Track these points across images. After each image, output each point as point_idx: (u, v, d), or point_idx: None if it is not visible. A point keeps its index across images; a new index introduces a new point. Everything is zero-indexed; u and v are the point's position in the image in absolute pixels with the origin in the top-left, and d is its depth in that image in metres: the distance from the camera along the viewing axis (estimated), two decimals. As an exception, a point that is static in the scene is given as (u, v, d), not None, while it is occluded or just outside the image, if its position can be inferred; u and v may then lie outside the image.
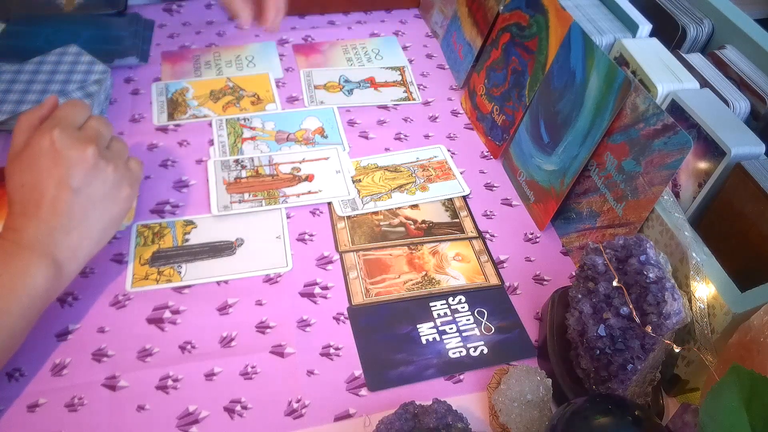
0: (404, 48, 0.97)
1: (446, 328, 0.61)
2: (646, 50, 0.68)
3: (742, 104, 0.62)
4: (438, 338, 0.60)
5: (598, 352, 0.51)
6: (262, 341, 0.59)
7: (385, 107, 0.86)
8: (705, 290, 0.52)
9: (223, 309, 0.61)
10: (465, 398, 0.56)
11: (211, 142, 0.78)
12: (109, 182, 0.58)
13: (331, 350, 0.59)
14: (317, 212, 0.71)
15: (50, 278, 0.53)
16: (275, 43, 0.95)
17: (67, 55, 0.80)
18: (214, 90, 0.86)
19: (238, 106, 0.84)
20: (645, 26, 0.72)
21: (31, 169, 0.55)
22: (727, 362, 0.46)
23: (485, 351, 0.60)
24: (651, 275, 0.49)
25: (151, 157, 0.76)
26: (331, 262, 0.67)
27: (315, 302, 0.63)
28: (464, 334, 0.61)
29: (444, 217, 0.72)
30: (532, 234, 0.71)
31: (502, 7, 0.80)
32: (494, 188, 0.76)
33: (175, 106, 0.83)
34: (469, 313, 0.63)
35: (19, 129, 0.57)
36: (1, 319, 0.50)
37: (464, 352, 0.59)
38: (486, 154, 0.81)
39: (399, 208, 0.72)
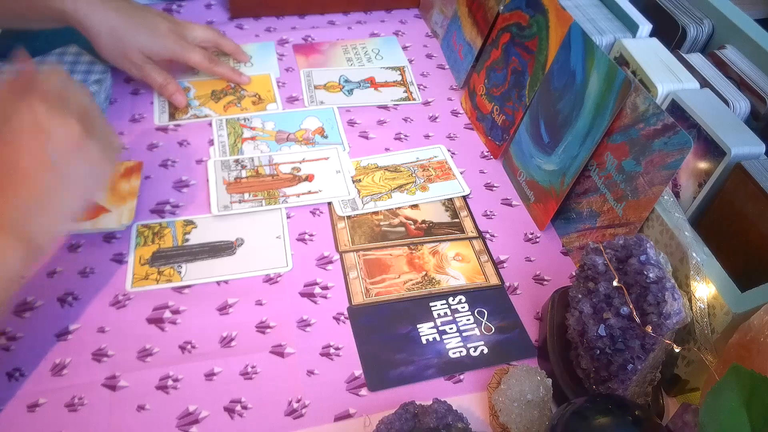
0: (404, 48, 0.97)
1: (446, 328, 0.61)
2: (646, 50, 0.68)
3: (742, 104, 0.62)
4: (438, 338, 0.60)
5: (598, 352, 0.51)
6: (262, 341, 0.59)
7: (385, 107, 0.86)
8: (705, 290, 0.52)
9: (223, 309, 0.61)
10: (465, 398, 0.56)
11: (211, 142, 0.78)
12: (93, 160, 0.55)
13: (331, 350, 0.59)
14: (317, 212, 0.71)
15: (24, 259, 0.51)
16: (274, 43, 0.95)
17: (67, 55, 0.80)
18: (215, 90, 0.86)
19: (239, 106, 0.84)
20: (645, 26, 0.72)
21: (10, 144, 0.51)
22: (727, 362, 0.46)
23: (485, 351, 0.60)
24: (651, 275, 0.49)
25: (151, 157, 0.76)
26: (331, 262, 0.67)
27: (315, 302, 0.63)
28: (464, 334, 0.61)
29: (444, 217, 0.72)
30: (532, 234, 0.71)
31: (502, 7, 0.80)
32: (494, 188, 0.76)
33: (176, 106, 0.83)
34: (469, 313, 0.63)
35: None
36: None
37: (464, 352, 0.59)
38: (486, 154, 0.81)
39: (399, 208, 0.72)
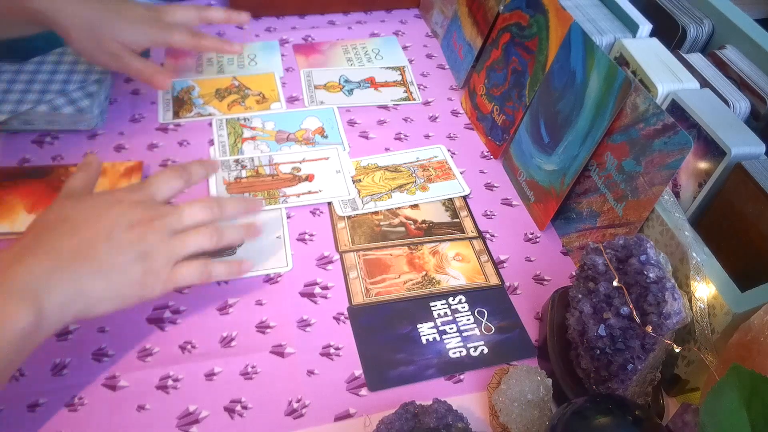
0: (404, 48, 0.97)
1: (446, 328, 0.61)
2: (646, 50, 0.68)
3: (742, 104, 0.62)
4: (438, 338, 0.60)
5: (598, 352, 0.51)
6: (262, 341, 0.59)
7: (385, 107, 0.86)
8: (705, 290, 0.52)
9: (223, 309, 0.61)
10: (465, 398, 0.56)
11: (211, 142, 0.78)
12: (155, 255, 0.52)
13: (331, 350, 0.59)
14: (317, 212, 0.71)
15: (33, 326, 0.46)
16: (278, 42, 0.95)
17: (67, 55, 0.80)
18: (219, 89, 0.86)
19: (243, 104, 0.84)
20: (645, 26, 0.72)
21: (77, 201, 0.53)
22: (727, 362, 0.46)
23: (485, 351, 0.60)
24: (651, 275, 0.49)
25: (151, 157, 0.76)
26: (331, 262, 0.67)
27: (315, 302, 0.63)
28: (464, 334, 0.61)
29: (444, 217, 0.72)
30: (532, 234, 0.71)
31: (502, 7, 0.80)
32: (494, 188, 0.76)
33: (180, 104, 0.83)
34: (469, 313, 0.63)
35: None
36: None
37: (464, 352, 0.59)
38: (486, 154, 0.81)
39: (399, 208, 0.72)
